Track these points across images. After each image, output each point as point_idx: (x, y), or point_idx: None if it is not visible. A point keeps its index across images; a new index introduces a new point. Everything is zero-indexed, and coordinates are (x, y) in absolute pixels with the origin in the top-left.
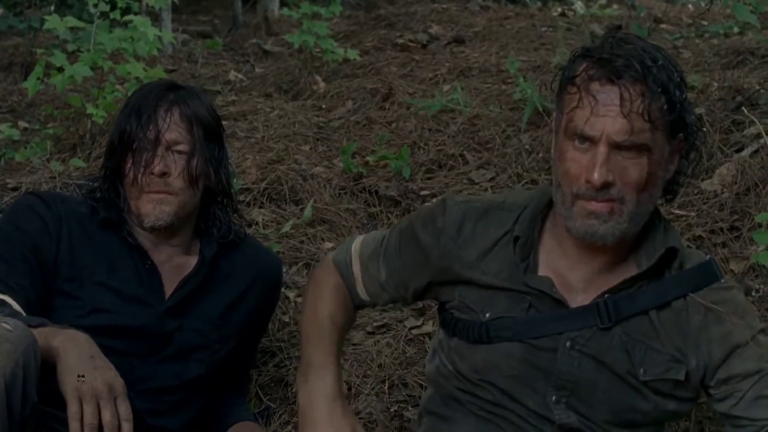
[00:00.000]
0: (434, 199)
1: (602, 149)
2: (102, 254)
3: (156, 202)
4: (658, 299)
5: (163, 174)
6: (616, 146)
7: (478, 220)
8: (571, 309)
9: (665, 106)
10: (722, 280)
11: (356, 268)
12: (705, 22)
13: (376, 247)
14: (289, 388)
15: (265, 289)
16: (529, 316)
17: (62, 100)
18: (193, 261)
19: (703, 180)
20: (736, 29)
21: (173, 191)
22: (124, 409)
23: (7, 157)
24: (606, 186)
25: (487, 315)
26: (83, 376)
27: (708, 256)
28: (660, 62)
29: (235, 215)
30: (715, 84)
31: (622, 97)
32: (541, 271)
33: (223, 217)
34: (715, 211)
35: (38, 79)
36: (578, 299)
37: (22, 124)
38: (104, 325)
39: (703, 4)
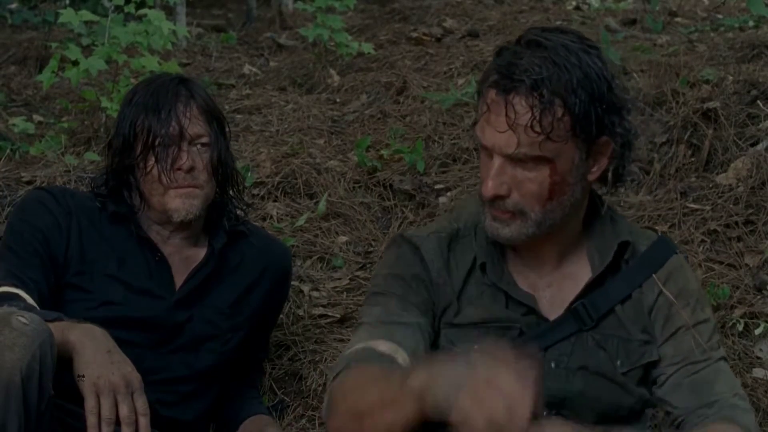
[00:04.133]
0: (445, 197)
1: (496, 161)
2: (111, 248)
3: (184, 196)
4: (629, 288)
5: (191, 169)
6: (510, 158)
7: (450, 249)
8: (551, 322)
9: (564, 115)
10: (677, 253)
11: (384, 346)
12: (720, 16)
13: (382, 315)
14: (303, 382)
15: (275, 278)
16: (513, 343)
17: (77, 93)
18: (202, 253)
19: (718, 174)
20: (751, 23)
21: (199, 184)
22: (141, 403)
23: (22, 150)
24: (498, 198)
25: (476, 348)
26: (83, 377)
27: (659, 233)
28: (565, 64)
29: (242, 203)
30: (730, 78)
31: (506, 111)
32: (517, 282)
33: (232, 207)
34: (730, 205)
35: (53, 72)
36: (546, 295)
37: (36, 117)
38: (115, 317)
39: None
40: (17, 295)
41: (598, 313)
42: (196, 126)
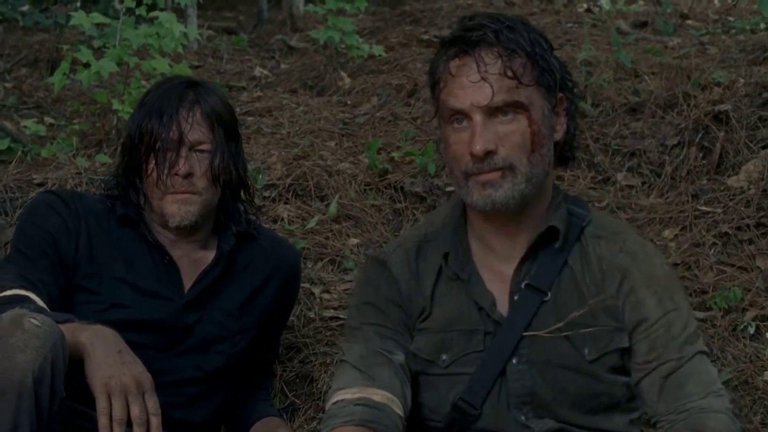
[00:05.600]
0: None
1: (477, 118)
2: (120, 251)
3: (181, 202)
4: (561, 256)
5: (188, 175)
6: (490, 112)
7: (418, 257)
8: (504, 324)
9: (527, 62)
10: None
11: (377, 396)
12: (731, 18)
13: (363, 353)
14: (314, 384)
15: (284, 280)
16: (482, 355)
17: (88, 96)
18: (211, 255)
19: (729, 176)
20: (762, 25)
21: (197, 191)
22: (153, 403)
23: (33, 153)
24: (489, 154)
25: (444, 358)
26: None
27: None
28: (509, 24)
29: (253, 207)
30: (742, 80)
31: (478, 64)
32: (481, 275)
33: (241, 210)
34: (742, 208)
35: (64, 75)
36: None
37: (48, 119)
38: (124, 319)
39: (729, 0)
40: (27, 298)
41: (540, 283)
42: (196, 132)
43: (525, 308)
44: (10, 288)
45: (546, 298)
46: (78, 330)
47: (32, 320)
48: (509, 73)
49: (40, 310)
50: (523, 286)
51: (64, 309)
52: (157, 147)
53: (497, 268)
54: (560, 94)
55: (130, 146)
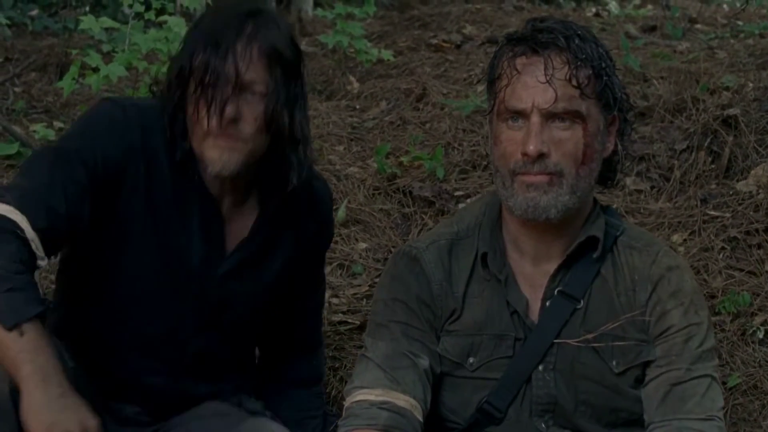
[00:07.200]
0: (465, 203)
1: (535, 120)
2: (172, 200)
3: (223, 148)
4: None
5: (235, 120)
6: (548, 116)
7: (450, 256)
8: (535, 330)
9: (592, 75)
10: (620, 234)
11: (401, 401)
12: (740, 22)
13: (388, 352)
14: (323, 388)
15: (319, 224)
16: (510, 361)
17: (97, 100)
18: (253, 213)
19: (738, 181)
20: None
21: (244, 137)
22: None
23: None
24: (541, 157)
25: (471, 361)
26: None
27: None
28: (580, 33)
29: (307, 161)
30: (751, 84)
31: (546, 66)
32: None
33: (295, 163)
34: (751, 212)
35: (73, 79)
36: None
37: (57, 124)
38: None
39: (738, 4)
40: (13, 222)
41: (575, 291)
42: (251, 72)
43: (556, 315)
44: (6, 203)
45: (578, 306)
46: (20, 360)
47: None
48: (574, 82)
49: (16, 252)
50: (555, 292)
51: (88, 238)
52: (206, 81)
53: (529, 272)
54: (615, 114)
55: (177, 78)
